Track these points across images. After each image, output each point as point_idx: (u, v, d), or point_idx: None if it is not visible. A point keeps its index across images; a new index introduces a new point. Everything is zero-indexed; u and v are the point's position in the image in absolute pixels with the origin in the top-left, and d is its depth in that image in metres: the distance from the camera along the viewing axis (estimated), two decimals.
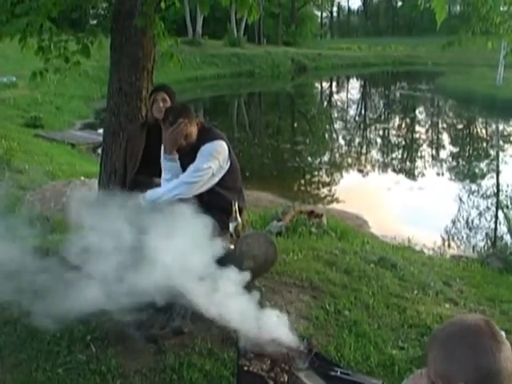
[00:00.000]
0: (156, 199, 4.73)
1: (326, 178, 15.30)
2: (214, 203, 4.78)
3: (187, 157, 4.78)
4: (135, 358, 4.20)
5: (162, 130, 4.85)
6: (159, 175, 4.91)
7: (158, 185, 4.89)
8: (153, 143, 5.03)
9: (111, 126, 5.99)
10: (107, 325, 4.45)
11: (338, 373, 3.10)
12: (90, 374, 4.03)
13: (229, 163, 4.89)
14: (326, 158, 17.92)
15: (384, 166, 16.86)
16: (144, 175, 5.16)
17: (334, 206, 12.17)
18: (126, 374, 4.06)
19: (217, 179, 4.81)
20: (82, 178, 9.43)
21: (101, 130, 14.39)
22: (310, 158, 17.25)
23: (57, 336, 4.34)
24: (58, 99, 23.32)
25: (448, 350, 1.92)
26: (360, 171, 16.04)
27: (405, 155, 19.08)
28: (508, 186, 12.70)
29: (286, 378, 3.04)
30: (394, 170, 16.47)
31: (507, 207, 9.76)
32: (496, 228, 10.82)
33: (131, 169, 5.26)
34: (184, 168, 4.80)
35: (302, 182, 14.96)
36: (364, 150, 19.50)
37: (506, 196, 12.01)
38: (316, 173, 15.86)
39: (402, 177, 15.56)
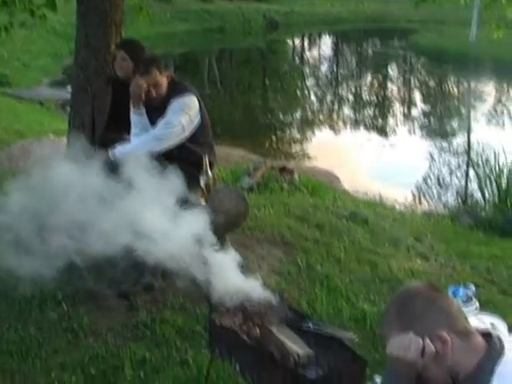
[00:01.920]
0: (125, 155, 4.66)
1: (297, 135, 15.27)
2: (185, 158, 4.74)
3: (157, 111, 4.72)
4: (107, 315, 4.20)
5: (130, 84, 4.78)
6: (129, 131, 4.85)
7: (128, 140, 4.83)
8: (122, 98, 4.94)
9: (79, 81, 5.87)
10: (78, 283, 4.42)
11: (310, 326, 3.09)
12: (62, 332, 4.03)
13: (199, 118, 4.83)
14: (297, 115, 17.86)
15: (356, 123, 16.86)
16: (114, 131, 5.08)
17: (306, 162, 12.16)
18: (98, 331, 4.06)
19: (187, 134, 4.76)
20: (52, 136, 9.27)
21: (69, 87, 14.13)
22: (281, 115, 17.17)
23: (27, 295, 4.31)
24: (25, 56, 22.81)
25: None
26: (332, 128, 16.03)
27: (377, 112, 19.09)
28: (479, 144, 12.74)
29: (259, 332, 3.03)
30: (366, 127, 16.47)
31: (478, 165, 9.78)
32: (467, 185, 10.88)
33: (100, 125, 5.18)
34: (154, 123, 4.74)
35: (274, 138, 14.91)
36: (336, 107, 19.48)
37: (477, 154, 12.05)
38: (288, 129, 15.81)
39: (373, 134, 15.58)
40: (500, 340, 1.96)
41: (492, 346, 1.93)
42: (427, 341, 1.89)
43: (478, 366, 1.88)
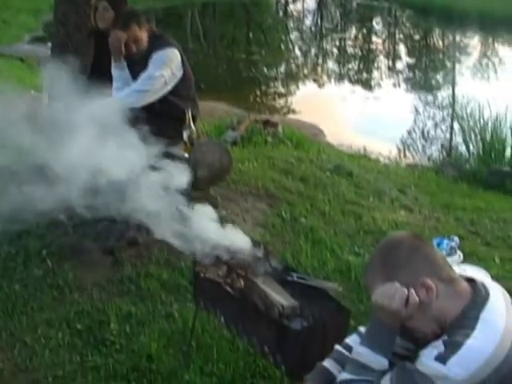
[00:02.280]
0: None
1: (281, 89, 15.17)
2: (167, 112, 4.72)
3: (139, 65, 4.68)
4: (92, 270, 4.20)
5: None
6: (112, 85, 4.80)
7: (110, 95, 4.77)
8: (104, 51, 4.87)
9: (59, 37, 5.78)
10: (62, 239, 4.41)
11: (295, 278, 3.09)
12: (48, 289, 4.02)
13: (182, 71, 4.79)
14: (281, 69, 17.74)
15: (340, 77, 16.78)
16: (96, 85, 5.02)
17: (290, 115, 12.10)
18: (83, 287, 4.06)
19: (169, 87, 4.72)
20: (33, 92, 9.16)
21: (50, 43, 13.92)
22: (265, 69, 17.05)
23: (12, 252, 4.30)
24: (5, 13, 22.38)
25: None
26: (316, 81, 15.93)
27: (361, 66, 18.99)
28: (463, 97, 12.71)
29: (243, 284, 3.03)
30: (351, 81, 16.40)
31: (462, 118, 9.78)
32: (451, 138, 10.89)
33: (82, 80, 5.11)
34: (136, 77, 4.70)
35: (258, 92, 14.81)
36: (320, 61, 19.36)
37: (462, 107, 12.05)
38: (272, 83, 15.70)
39: (358, 87, 15.51)
40: (485, 286, 1.96)
41: (477, 292, 1.93)
42: (412, 291, 1.89)
43: (463, 311, 1.89)
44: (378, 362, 1.96)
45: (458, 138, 10.06)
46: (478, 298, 1.91)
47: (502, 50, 21.30)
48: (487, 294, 1.93)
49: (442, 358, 1.77)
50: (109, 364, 3.38)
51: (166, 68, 4.65)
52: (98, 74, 5.02)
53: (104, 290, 4.06)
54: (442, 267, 1.95)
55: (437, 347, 1.82)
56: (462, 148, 9.49)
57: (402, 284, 1.91)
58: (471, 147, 9.21)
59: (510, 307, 1.96)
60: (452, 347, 1.78)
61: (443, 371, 1.75)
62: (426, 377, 1.79)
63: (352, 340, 2.29)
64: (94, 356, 3.45)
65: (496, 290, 1.99)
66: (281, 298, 2.89)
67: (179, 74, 4.76)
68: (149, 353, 3.48)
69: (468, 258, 4.58)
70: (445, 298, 1.90)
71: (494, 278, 2.09)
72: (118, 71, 4.73)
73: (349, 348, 2.25)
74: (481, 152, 8.87)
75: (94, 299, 3.96)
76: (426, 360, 1.80)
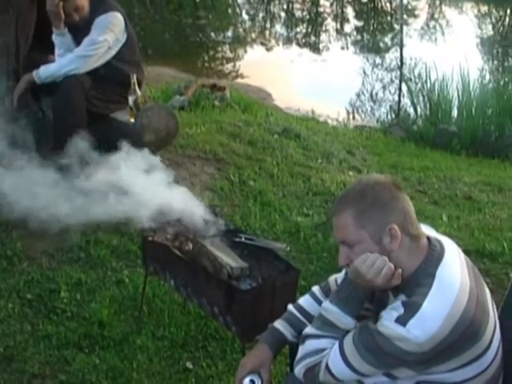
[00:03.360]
0: (50, 75, 4.58)
1: (229, 53, 15.02)
2: (111, 77, 4.69)
3: (82, 32, 4.63)
4: (41, 239, 4.14)
5: None
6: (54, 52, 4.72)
7: (54, 61, 4.70)
8: (46, 18, 4.77)
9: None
10: (8, 208, 4.34)
11: (243, 239, 3.11)
12: None
13: (126, 35, 4.75)
14: (229, 33, 17.57)
15: (288, 40, 16.68)
16: (38, 52, 4.93)
17: (238, 80, 11.99)
18: (32, 256, 4.04)
19: (113, 52, 4.69)
20: None
21: None
22: (213, 33, 16.87)
23: None
24: None
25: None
26: (264, 45, 15.81)
27: (309, 29, 18.90)
28: (411, 59, 12.79)
29: (191, 247, 3.03)
30: (298, 44, 16.31)
31: (410, 80, 9.86)
32: (400, 100, 10.96)
33: (24, 46, 5.01)
34: (80, 44, 4.62)
35: (206, 57, 14.65)
36: (268, 25, 19.22)
37: (410, 69, 12.13)
38: (219, 48, 15.53)
39: (305, 50, 15.43)
40: (440, 242, 1.99)
41: (432, 248, 1.96)
42: (390, 264, 1.90)
43: (420, 267, 1.92)
44: (346, 321, 1.98)
45: (406, 100, 10.15)
46: (433, 253, 1.94)
47: (449, 12, 21.41)
48: (442, 250, 1.96)
49: (401, 320, 1.79)
50: (60, 332, 3.39)
51: (110, 32, 4.60)
52: (40, 39, 4.94)
53: (53, 258, 4.04)
54: (413, 223, 1.96)
55: (396, 309, 1.84)
56: (410, 109, 9.59)
57: (373, 222, 1.93)
58: (419, 108, 9.32)
59: (464, 263, 2.00)
60: (411, 309, 1.81)
61: (403, 333, 1.78)
62: (387, 338, 1.81)
63: (304, 300, 2.31)
64: (45, 325, 3.45)
65: (450, 246, 2.02)
66: (229, 260, 2.91)
67: (123, 38, 4.72)
68: (100, 319, 3.49)
69: (416, 217, 4.64)
70: (406, 251, 1.93)
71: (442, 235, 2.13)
72: (60, 38, 4.66)
73: (301, 309, 2.28)
74: (428, 113, 8.98)
75: (44, 268, 3.94)
76: (387, 322, 1.82)
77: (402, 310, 1.83)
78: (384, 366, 1.89)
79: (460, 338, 1.81)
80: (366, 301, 2.04)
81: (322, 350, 1.99)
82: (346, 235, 1.97)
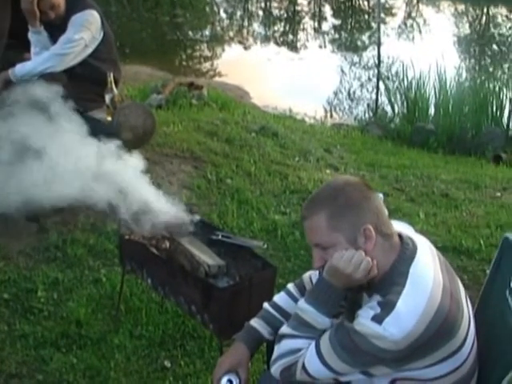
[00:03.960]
0: (26, 74, 4.55)
1: (206, 52, 14.99)
2: (88, 75, 4.67)
3: (58, 30, 4.60)
4: (17, 238, 4.13)
5: None
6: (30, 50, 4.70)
7: (30, 60, 4.68)
8: (22, 16, 4.75)
9: None
10: None
11: (220, 236, 3.12)
12: None
13: (102, 33, 4.74)
14: (206, 32, 17.54)
15: (265, 39, 16.69)
16: (14, 50, 4.90)
17: (216, 78, 11.98)
18: (9, 256, 4.01)
19: (90, 50, 4.68)
20: None
21: None
22: (190, 32, 16.82)
23: None
24: None
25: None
26: (241, 44, 15.81)
27: (287, 27, 18.93)
28: (389, 57, 12.87)
29: (168, 245, 3.04)
30: (276, 42, 16.32)
31: (388, 78, 9.92)
32: (377, 98, 11.00)
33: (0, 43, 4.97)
34: (56, 42, 4.60)
35: (183, 56, 14.61)
36: (246, 23, 19.22)
37: (387, 67, 12.20)
38: (197, 46, 15.50)
39: (283, 48, 15.45)
40: (412, 240, 2.00)
41: (404, 246, 1.97)
42: (368, 258, 1.90)
43: (393, 266, 1.92)
44: (322, 321, 1.97)
45: (384, 98, 10.21)
46: (406, 251, 1.95)
47: (426, 10, 21.53)
48: (415, 248, 1.96)
49: (378, 319, 1.80)
50: (37, 332, 3.37)
51: (86, 30, 4.59)
52: (16, 37, 4.91)
53: (30, 257, 4.02)
54: (385, 222, 1.97)
55: (373, 308, 1.85)
56: (388, 108, 9.64)
57: (347, 223, 1.92)
58: (396, 106, 9.39)
59: (436, 259, 2.01)
60: (386, 308, 1.81)
61: (379, 331, 1.78)
62: (363, 336, 1.82)
63: (280, 298, 2.31)
64: (22, 324, 3.43)
65: (422, 244, 2.03)
66: (207, 258, 2.92)
67: (99, 36, 4.71)
68: (78, 318, 3.48)
69: (393, 214, 4.66)
70: (379, 250, 1.93)
71: (419, 232, 2.14)
72: (36, 36, 4.64)
73: (277, 307, 2.28)
74: (405, 111, 9.05)
75: (21, 267, 3.91)
76: (364, 320, 1.83)
77: (378, 309, 1.83)
78: (360, 364, 1.90)
79: (435, 334, 1.82)
80: (342, 299, 2.04)
81: (298, 350, 1.99)
82: (320, 238, 1.96)
